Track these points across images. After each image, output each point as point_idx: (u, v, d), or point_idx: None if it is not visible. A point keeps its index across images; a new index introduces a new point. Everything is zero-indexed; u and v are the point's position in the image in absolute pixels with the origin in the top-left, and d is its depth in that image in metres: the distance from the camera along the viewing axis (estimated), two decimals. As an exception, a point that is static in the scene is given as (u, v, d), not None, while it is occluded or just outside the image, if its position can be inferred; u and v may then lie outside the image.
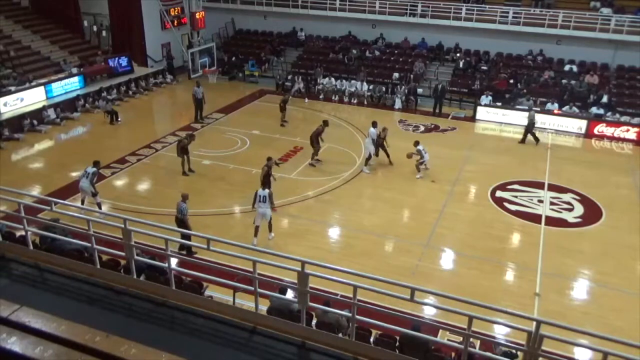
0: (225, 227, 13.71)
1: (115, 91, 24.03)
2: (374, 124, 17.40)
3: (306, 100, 24.51)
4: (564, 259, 12.78)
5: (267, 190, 12.95)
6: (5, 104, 20.36)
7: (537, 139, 20.26)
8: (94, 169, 13.95)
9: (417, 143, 16.98)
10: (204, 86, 22.16)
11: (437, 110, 23.23)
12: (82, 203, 13.95)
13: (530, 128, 20.19)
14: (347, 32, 28.92)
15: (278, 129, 20.54)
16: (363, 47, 28.02)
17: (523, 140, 20.39)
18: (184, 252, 10.57)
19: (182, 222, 12.15)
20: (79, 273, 6.29)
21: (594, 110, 21.84)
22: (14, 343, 3.28)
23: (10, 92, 20.83)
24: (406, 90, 24.19)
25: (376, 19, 27.52)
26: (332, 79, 25.58)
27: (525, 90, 23.27)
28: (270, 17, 29.95)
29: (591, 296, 11.80)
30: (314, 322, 7.01)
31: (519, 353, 7.68)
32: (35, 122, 20.26)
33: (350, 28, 28.75)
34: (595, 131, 21.16)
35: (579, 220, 14.71)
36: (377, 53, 27.48)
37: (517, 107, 22.28)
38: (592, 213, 15.05)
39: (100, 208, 13.72)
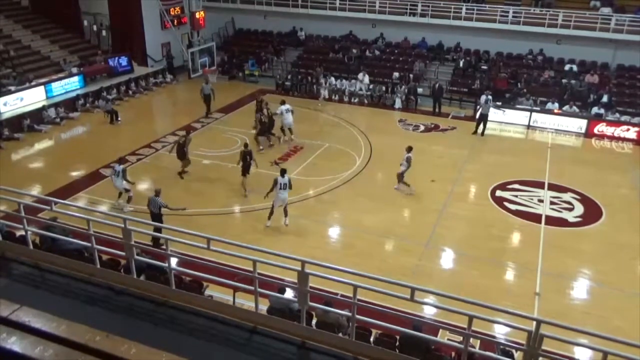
0: (225, 227, 13.69)
1: (115, 91, 24.01)
2: (283, 102, 18.78)
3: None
4: (564, 259, 12.77)
5: (286, 177, 13.33)
6: (5, 104, 20.33)
7: (483, 133, 20.86)
8: (122, 166, 14.27)
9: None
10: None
11: (436, 110, 23.21)
12: (120, 196, 14.60)
13: (483, 119, 20.77)
14: (347, 31, 28.89)
15: (278, 129, 20.36)
16: (363, 46, 27.99)
17: (475, 132, 20.92)
18: (154, 245, 10.47)
19: (158, 216, 12.34)
20: (79, 273, 6.29)
21: (594, 109, 21.80)
22: (14, 343, 3.25)
23: (10, 92, 20.80)
24: (406, 90, 24.17)
25: (376, 19, 27.48)
26: (332, 79, 25.54)
27: (525, 90, 23.25)
28: (270, 17, 29.92)
29: (591, 296, 11.79)
30: (314, 321, 7.01)
31: (518, 352, 7.69)
32: (34, 125, 20.21)
33: (350, 27, 28.72)
34: (596, 131, 21.12)
35: (579, 219, 14.69)
36: (377, 52, 27.45)
37: (518, 106, 22.29)
38: (592, 212, 15.02)
39: (129, 202, 14.33)
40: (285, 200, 13.45)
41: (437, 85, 23.42)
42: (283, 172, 13.55)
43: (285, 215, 13.59)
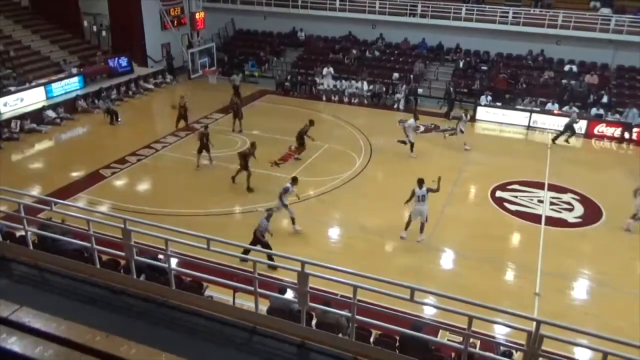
0: (225, 228, 13.60)
1: (115, 91, 23.92)
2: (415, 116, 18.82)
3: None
4: (564, 259, 12.73)
5: (424, 189, 12.87)
6: (5, 104, 20.26)
7: (569, 140, 20.43)
8: (287, 185, 13.42)
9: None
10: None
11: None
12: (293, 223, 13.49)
13: (569, 130, 20.20)
14: (347, 32, 28.82)
15: (278, 129, 20.32)
16: (363, 47, 27.93)
17: (554, 141, 20.51)
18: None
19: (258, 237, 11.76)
20: (79, 273, 6.27)
21: (594, 110, 21.76)
22: (14, 343, 3.28)
23: (10, 92, 20.73)
24: (406, 91, 24.14)
25: (376, 19, 27.45)
26: (331, 72, 25.45)
27: (524, 87, 23.18)
28: (270, 18, 29.86)
29: (591, 296, 11.75)
30: (314, 322, 6.98)
31: (518, 353, 7.66)
32: (29, 125, 20.05)
33: (350, 28, 28.65)
34: (595, 131, 21.10)
35: (579, 220, 14.65)
36: (377, 53, 27.41)
37: (518, 107, 22.26)
38: (592, 213, 14.97)
39: (294, 224, 13.34)
40: (422, 213, 12.94)
41: (451, 89, 23.31)
42: (421, 182, 12.98)
43: (421, 231, 13.19)
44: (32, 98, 21.41)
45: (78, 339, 3.48)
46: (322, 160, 18.00)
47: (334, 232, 13.90)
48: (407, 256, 12.77)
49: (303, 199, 15.21)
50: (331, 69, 25.62)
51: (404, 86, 24.34)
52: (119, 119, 21.27)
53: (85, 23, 28.17)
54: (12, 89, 21.09)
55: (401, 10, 26.87)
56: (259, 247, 10.67)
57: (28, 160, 18.13)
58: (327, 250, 12.93)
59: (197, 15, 27.07)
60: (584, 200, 15.65)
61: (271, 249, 11.06)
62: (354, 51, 27.35)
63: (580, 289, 11.93)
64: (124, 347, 3.49)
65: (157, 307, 5.79)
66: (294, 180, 13.66)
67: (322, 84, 25.51)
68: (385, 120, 22.68)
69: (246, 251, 9.11)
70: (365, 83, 24.95)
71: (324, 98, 25.11)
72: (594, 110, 21.81)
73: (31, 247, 6.79)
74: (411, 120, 18.42)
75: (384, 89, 24.71)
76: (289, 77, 26.39)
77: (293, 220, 13.36)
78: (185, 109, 19.85)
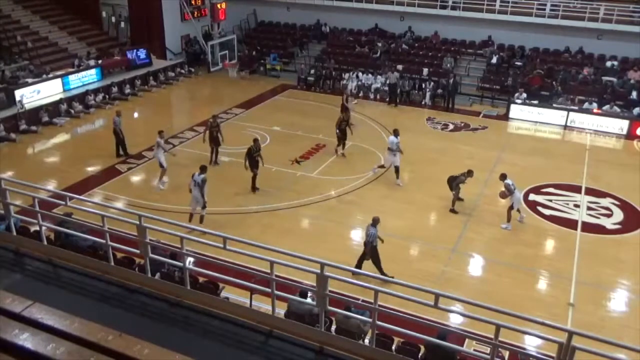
0: (242, 227, 13.26)
1: (128, 86, 23.45)
2: (395, 133, 15.80)
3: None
4: (601, 268, 12.19)
5: (509, 180, 13.26)
6: (22, 96, 20.00)
7: None
8: (203, 176, 12.70)
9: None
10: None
11: (449, 106, 22.53)
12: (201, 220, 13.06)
13: None
14: (373, 25, 27.88)
15: (300, 125, 19.73)
16: (390, 40, 26.99)
17: None
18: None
19: (371, 248, 11.30)
20: (93, 270, 6.31)
21: (637, 110, 20.73)
22: (27, 339, 3.36)
23: (27, 84, 20.54)
24: (440, 86, 23.26)
25: (404, 11, 26.49)
26: (360, 73, 24.63)
27: (560, 88, 22.07)
28: (294, 9, 29.15)
29: (630, 308, 11.09)
30: (333, 327, 7.18)
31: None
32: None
33: (377, 20, 27.72)
34: (638, 132, 20.12)
35: (618, 226, 13.97)
36: (405, 47, 26.44)
37: (555, 105, 21.27)
38: (632, 219, 14.23)
39: (202, 221, 12.87)
40: (520, 200, 13.72)
41: (452, 81, 22.63)
42: (504, 176, 13.53)
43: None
44: (49, 90, 21.18)
45: (91, 337, 3.51)
46: (345, 158, 17.45)
47: (356, 234, 13.43)
48: (432, 260, 12.41)
49: (324, 198, 14.82)
50: (358, 74, 24.69)
51: (431, 83, 23.43)
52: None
53: (104, 14, 27.90)
54: (29, 80, 20.88)
55: (431, 2, 25.83)
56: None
57: (44, 153, 18.13)
58: (347, 252, 12.49)
59: (218, 6, 26.41)
60: (624, 205, 14.90)
61: (380, 262, 11.12)
62: (379, 44, 26.38)
63: (617, 300, 11.37)
64: (137, 346, 3.51)
65: (172, 307, 5.80)
66: (203, 170, 12.93)
67: (345, 78, 24.75)
68: (412, 117, 21.98)
69: (376, 263, 9.87)
70: (379, 77, 24.16)
71: (352, 98, 24.32)
72: (636, 110, 20.77)
73: (45, 243, 6.83)
74: (391, 137, 15.75)
75: (413, 84, 23.74)
76: (311, 72, 25.59)
77: (201, 218, 13.02)
78: (218, 128, 16.64)
